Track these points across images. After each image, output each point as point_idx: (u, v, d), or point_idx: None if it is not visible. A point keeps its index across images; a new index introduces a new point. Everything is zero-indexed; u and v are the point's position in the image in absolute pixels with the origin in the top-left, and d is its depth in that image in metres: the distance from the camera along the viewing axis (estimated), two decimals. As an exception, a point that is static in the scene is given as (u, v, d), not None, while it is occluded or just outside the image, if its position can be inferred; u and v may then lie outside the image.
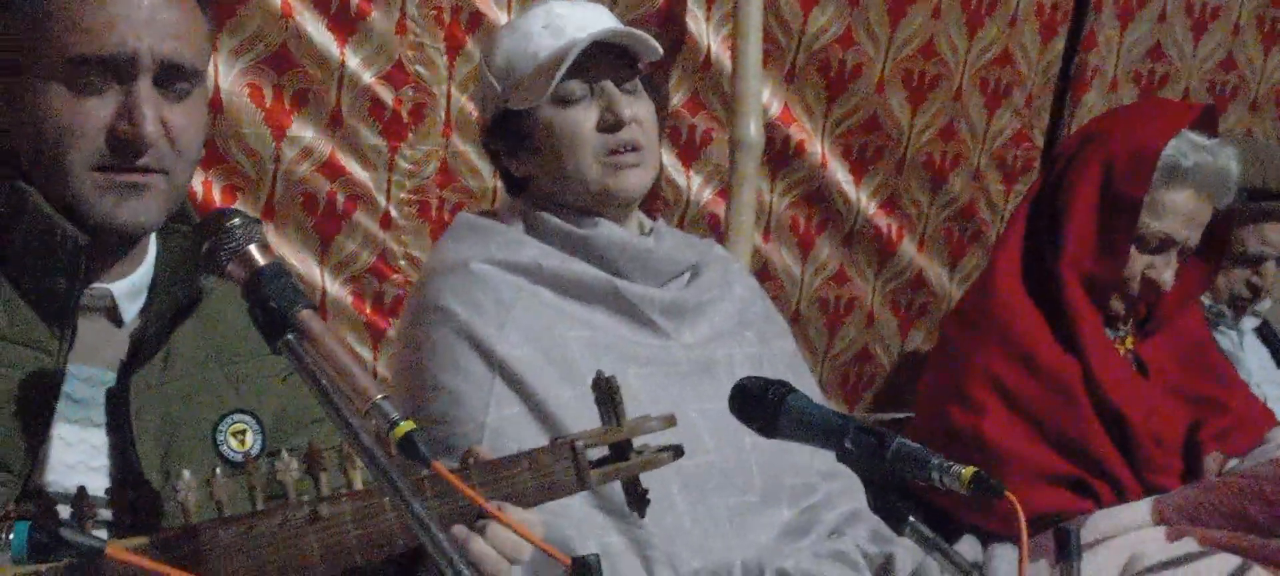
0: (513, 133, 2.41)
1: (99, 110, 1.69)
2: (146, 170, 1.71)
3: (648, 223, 2.52)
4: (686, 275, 2.52)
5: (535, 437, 2.19)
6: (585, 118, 2.36)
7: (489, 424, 2.23)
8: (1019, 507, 1.58)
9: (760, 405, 1.78)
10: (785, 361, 2.57)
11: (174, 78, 1.73)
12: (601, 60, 2.36)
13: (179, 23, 1.73)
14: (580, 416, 2.05)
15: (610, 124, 2.36)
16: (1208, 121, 2.96)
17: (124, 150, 1.69)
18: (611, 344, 2.36)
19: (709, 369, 2.39)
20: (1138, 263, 2.88)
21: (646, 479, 1.87)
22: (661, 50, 2.42)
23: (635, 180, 2.39)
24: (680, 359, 2.41)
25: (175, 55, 1.72)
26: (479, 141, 2.56)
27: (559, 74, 2.32)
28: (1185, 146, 2.85)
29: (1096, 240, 2.86)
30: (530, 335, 2.31)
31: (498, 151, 2.46)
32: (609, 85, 2.37)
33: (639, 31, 2.40)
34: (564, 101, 2.36)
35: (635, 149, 2.38)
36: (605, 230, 2.40)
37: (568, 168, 2.37)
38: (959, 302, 3.29)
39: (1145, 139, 2.86)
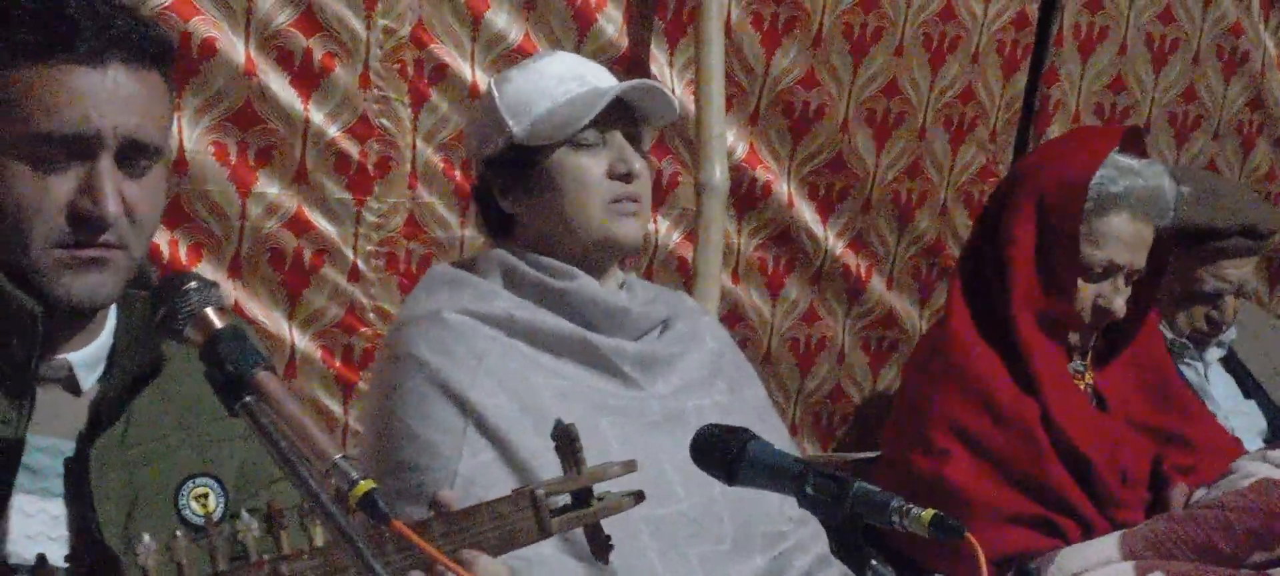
0: (515, 169, 2.42)
1: (60, 187, 1.69)
2: (107, 245, 1.71)
3: (620, 275, 2.53)
4: (657, 329, 2.53)
5: (508, 485, 2.15)
6: (595, 164, 2.40)
7: (461, 472, 2.23)
8: (979, 548, 1.59)
9: (721, 453, 1.80)
10: (756, 410, 2.57)
11: (136, 155, 1.73)
12: (615, 113, 2.41)
13: (142, 100, 1.73)
14: (553, 464, 2.05)
15: (621, 174, 2.40)
16: (1134, 144, 2.98)
17: (85, 227, 1.69)
18: (584, 394, 2.37)
19: (680, 419, 2.40)
20: (1087, 293, 2.90)
21: (619, 529, 1.88)
22: (677, 113, 2.50)
23: (634, 229, 2.43)
24: (652, 409, 2.42)
25: (138, 133, 1.72)
26: (471, 175, 2.56)
27: (589, 116, 2.36)
28: (1113, 172, 2.88)
29: (1042, 278, 2.87)
30: (503, 384, 2.31)
31: (490, 188, 2.47)
32: (620, 137, 2.42)
33: (665, 90, 2.47)
34: (577, 146, 2.39)
35: (636, 200, 2.42)
36: (582, 285, 2.42)
37: (570, 210, 2.39)
38: (916, 349, 3.30)
39: (1073, 170, 2.88)
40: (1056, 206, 2.86)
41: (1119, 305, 2.91)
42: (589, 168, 2.39)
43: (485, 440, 2.26)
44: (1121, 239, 2.90)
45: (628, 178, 2.40)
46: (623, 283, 2.52)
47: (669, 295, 2.68)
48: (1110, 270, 2.91)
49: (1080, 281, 2.88)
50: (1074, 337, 2.94)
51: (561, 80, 2.42)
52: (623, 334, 2.45)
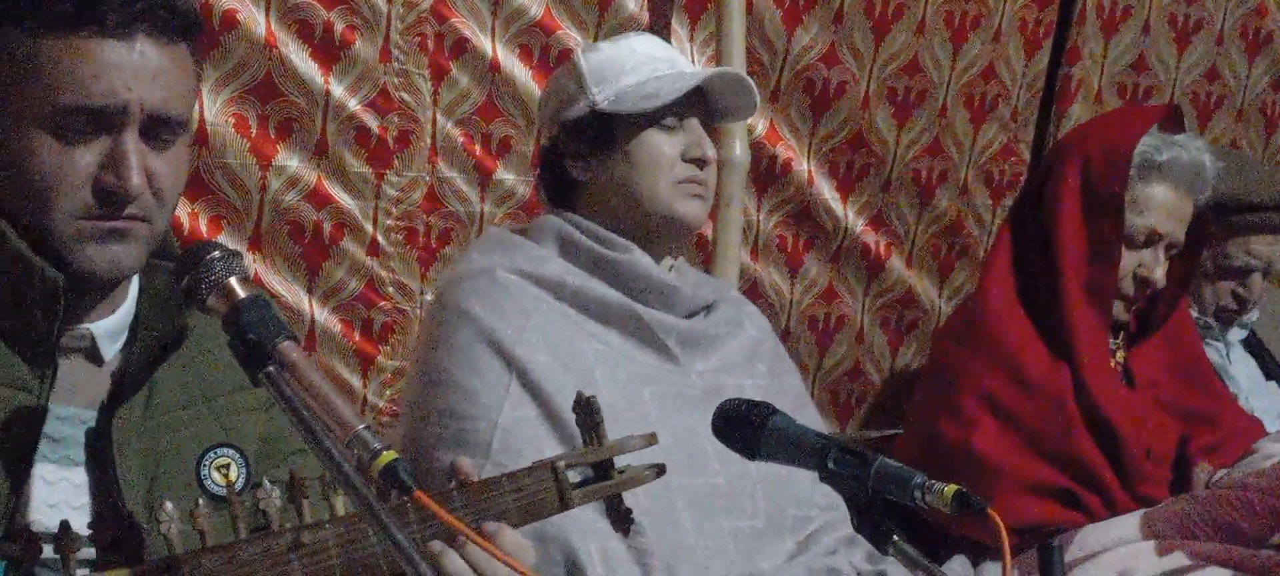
0: (593, 135, 2.47)
1: (85, 159, 1.69)
2: (130, 218, 1.71)
3: (670, 260, 2.57)
4: (702, 311, 2.58)
5: (547, 440, 2.25)
6: (671, 145, 2.45)
7: (501, 423, 2.27)
8: (1001, 524, 1.58)
9: (743, 426, 1.79)
10: (794, 397, 2.62)
11: (160, 129, 1.72)
12: (695, 101, 2.48)
13: (169, 74, 1.72)
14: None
15: (695, 158, 2.46)
16: (1175, 122, 3.00)
17: (109, 200, 1.69)
18: (626, 364, 2.42)
19: (720, 395, 2.38)
20: (1129, 261, 2.91)
21: (655, 499, 1.89)
22: (756, 107, 2.57)
23: (699, 210, 2.50)
24: (693, 385, 2.47)
25: (163, 107, 1.71)
26: (542, 140, 2.60)
27: (674, 96, 2.42)
28: (1157, 142, 2.91)
29: (1087, 246, 2.89)
30: (549, 343, 2.36)
31: (563, 153, 2.51)
32: (697, 124, 2.49)
33: (750, 83, 2.53)
34: (658, 125, 2.45)
35: (703, 185, 2.48)
36: (635, 259, 2.46)
37: (641, 184, 2.45)
38: (950, 319, 3.31)
39: (1118, 139, 2.92)
40: (1102, 172, 2.90)
41: (1159, 276, 2.93)
42: (666, 146, 2.45)
43: (527, 395, 2.30)
44: (1164, 208, 2.93)
45: (701, 163, 2.46)
46: (673, 266, 2.56)
47: (716, 282, 2.76)
48: (1152, 239, 2.93)
49: (1124, 249, 2.89)
50: (1119, 310, 2.94)
51: (650, 59, 2.49)
52: (670, 311, 2.50)
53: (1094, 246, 2.89)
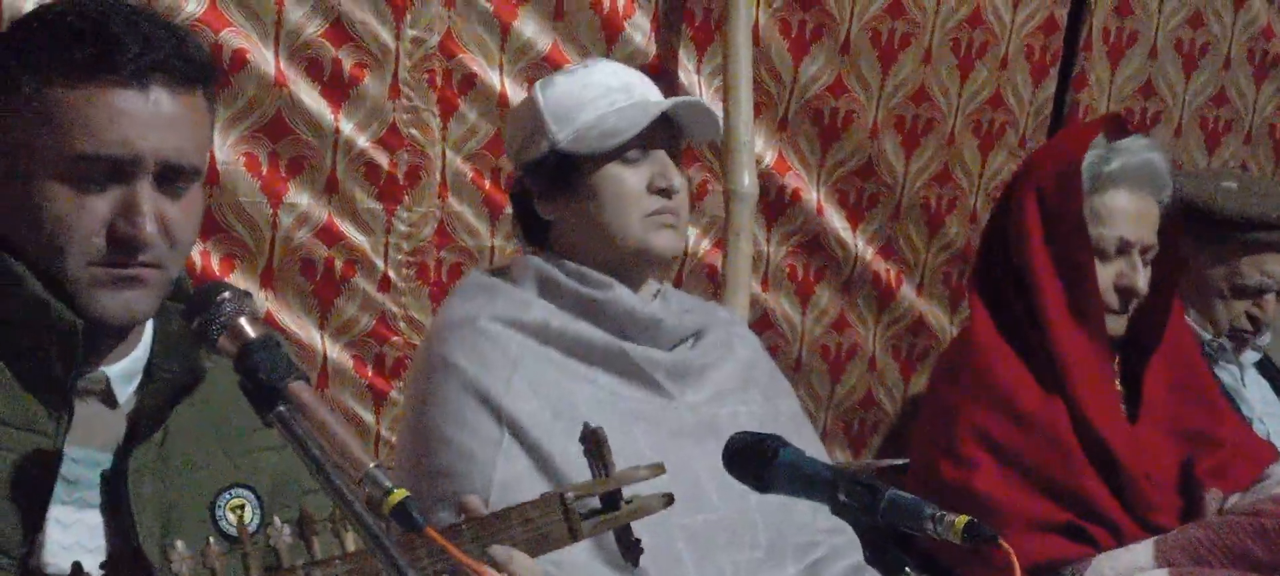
0: (556, 175, 2.44)
1: (98, 206, 1.70)
2: (144, 265, 1.72)
3: (655, 285, 2.54)
4: (691, 339, 2.54)
5: (543, 492, 2.20)
6: (636, 177, 2.42)
7: (497, 479, 2.24)
8: (1013, 555, 1.58)
9: (753, 460, 1.80)
10: (790, 420, 2.59)
11: (174, 177, 1.73)
12: (659, 128, 2.43)
13: (183, 122, 1.73)
14: (587, 471, 2.07)
15: (662, 188, 2.42)
16: (1119, 130, 3.02)
17: (122, 248, 1.70)
18: (617, 403, 2.38)
19: (713, 427, 2.40)
20: (1106, 274, 2.91)
21: (654, 536, 1.88)
22: (721, 130, 2.53)
23: (672, 240, 2.46)
24: (685, 418, 2.43)
25: (177, 157, 1.72)
26: (507, 179, 2.58)
27: (634, 131, 2.38)
28: (1103, 152, 2.94)
29: (1058, 268, 2.90)
30: (537, 391, 2.33)
31: (530, 193, 2.48)
32: (663, 154, 2.44)
33: (710, 108, 2.51)
34: (621, 159, 2.41)
35: (674, 214, 2.45)
36: (617, 294, 2.43)
37: (609, 220, 2.41)
38: (941, 358, 3.30)
39: (1065, 157, 2.94)
40: (1055, 194, 2.91)
41: (1140, 283, 2.93)
42: (630, 180, 2.41)
43: (521, 448, 2.28)
44: (1125, 213, 2.94)
45: (667, 193, 2.43)
46: (657, 292, 2.53)
47: (703, 305, 2.70)
48: (1123, 247, 2.93)
49: (1098, 264, 2.90)
50: (1113, 325, 2.93)
51: (608, 90, 2.44)
52: (656, 344, 2.46)
53: (1067, 269, 2.90)
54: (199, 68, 1.75)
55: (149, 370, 1.83)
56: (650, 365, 2.43)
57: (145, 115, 1.70)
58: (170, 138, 1.71)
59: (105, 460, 1.76)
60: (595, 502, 1.85)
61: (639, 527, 1.87)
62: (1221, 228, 3.28)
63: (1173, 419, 2.98)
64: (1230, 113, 4.11)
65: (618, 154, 2.40)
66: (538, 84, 2.51)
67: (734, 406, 2.49)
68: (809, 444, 2.51)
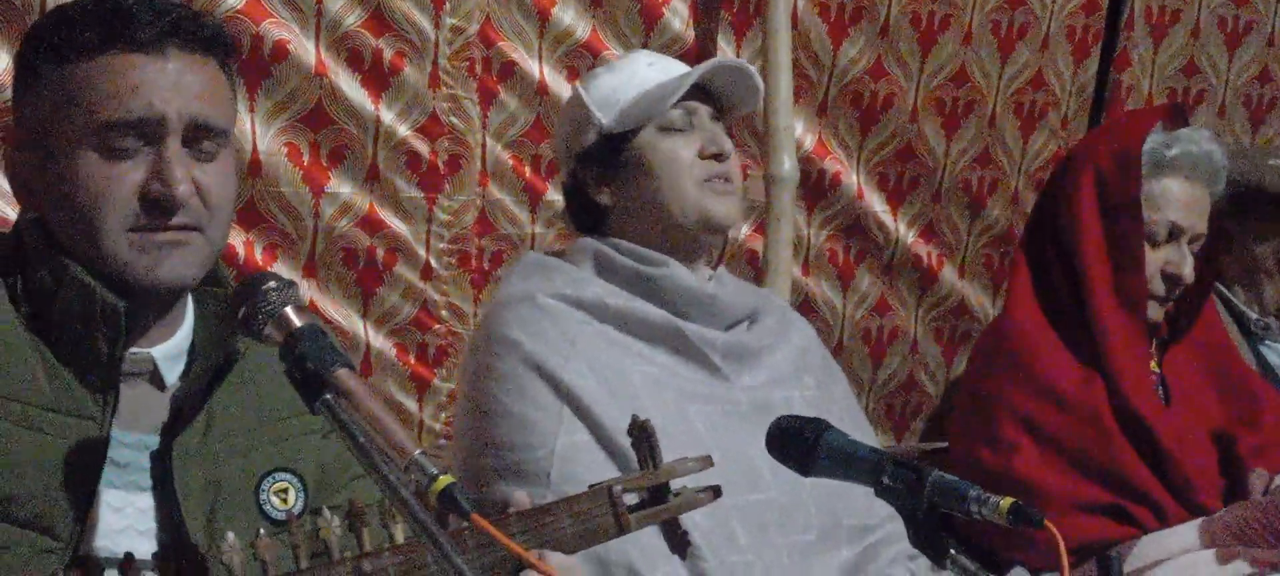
0: (608, 158, 2.47)
1: (130, 173, 1.72)
2: (183, 227, 1.74)
3: (708, 271, 2.55)
4: (746, 321, 2.55)
5: (602, 465, 2.24)
6: (686, 146, 2.44)
7: (558, 450, 2.26)
8: (1058, 536, 1.58)
9: (797, 443, 1.79)
10: (844, 407, 2.60)
11: (202, 137, 1.76)
12: (701, 102, 2.47)
13: (203, 84, 1.76)
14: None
15: (713, 153, 2.44)
16: (1179, 119, 3.01)
17: (157, 210, 1.72)
18: (673, 382, 2.40)
19: (768, 410, 2.39)
20: (1155, 261, 2.90)
21: (709, 517, 1.88)
22: (761, 96, 2.56)
23: (730, 207, 2.47)
24: (740, 400, 2.45)
25: (202, 115, 1.75)
26: (562, 176, 2.59)
27: (675, 96, 2.41)
28: (1164, 139, 2.93)
29: (1111, 252, 2.89)
30: (594, 367, 2.35)
31: (584, 182, 2.51)
32: (707, 119, 2.47)
33: (750, 69, 2.51)
34: (666, 129, 2.44)
35: (729, 180, 2.46)
36: (673, 272, 2.44)
37: (666, 192, 2.43)
38: (979, 342, 3.28)
39: (1126, 141, 2.93)
40: (1114, 176, 2.90)
41: (1188, 270, 2.92)
42: (681, 149, 2.44)
43: (579, 420, 2.29)
44: (1180, 201, 2.93)
45: (719, 157, 2.44)
46: (711, 276, 2.54)
47: (758, 291, 2.73)
48: (1174, 233, 2.93)
49: (1148, 249, 2.89)
50: (1154, 313, 2.92)
51: (642, 71, 2.48)
52: (712, 323, 2.48)
53: (1118, 252, 2.89)
54: (212, 34, 1.79)
55: (191, 353, 1.84)
56: (706, 345, 2.45)
57: (165, 78, 1.73)
58: (192, 97, 1.74)
59: (152, 442, 1.78)
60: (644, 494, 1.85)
61: (697, 511, 1.87)
62: (1269, 205, 3.25)
63: (1207, 404, 2.97)
64: (1275, 90, 4.07)
65: (662, 124, 2.44)
66: (579, 80, 2.55)
67: (788, 391, 2.50)
68: (862, 430, 2.53)
